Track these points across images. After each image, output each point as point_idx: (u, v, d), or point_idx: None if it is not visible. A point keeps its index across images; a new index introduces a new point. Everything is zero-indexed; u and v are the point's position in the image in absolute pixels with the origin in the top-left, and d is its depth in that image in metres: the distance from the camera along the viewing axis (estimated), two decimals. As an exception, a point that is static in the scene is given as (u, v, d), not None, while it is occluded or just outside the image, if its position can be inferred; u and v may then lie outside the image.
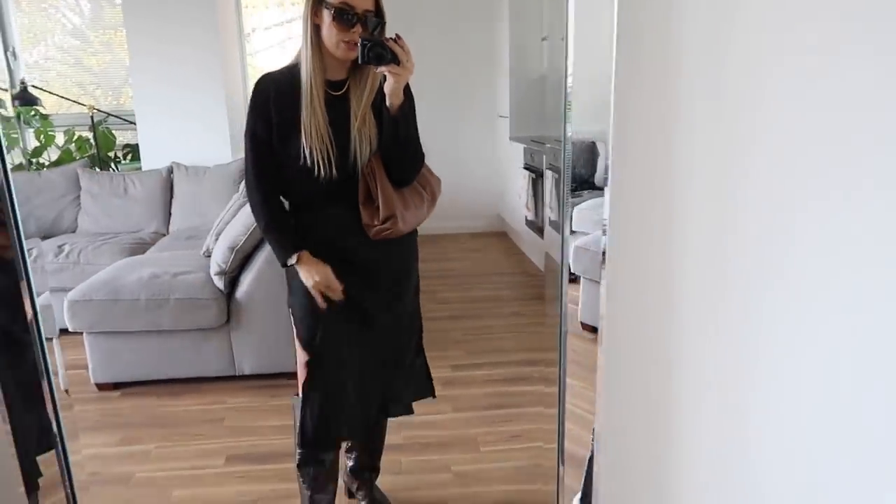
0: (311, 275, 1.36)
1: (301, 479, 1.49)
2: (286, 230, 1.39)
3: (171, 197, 3.30)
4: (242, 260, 2.31)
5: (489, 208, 4.83)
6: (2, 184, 0.91)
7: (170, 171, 3.34)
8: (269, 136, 1.34)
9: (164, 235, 3.16)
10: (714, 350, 1.10)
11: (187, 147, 3.45)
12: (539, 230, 3.68)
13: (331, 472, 1.50)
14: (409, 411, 1.59)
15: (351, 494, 1.68)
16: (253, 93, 1.36)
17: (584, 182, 1.25)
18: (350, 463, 1.66)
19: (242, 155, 3.75)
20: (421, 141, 1.43)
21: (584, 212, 1.25)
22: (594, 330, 1.25)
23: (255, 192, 1.39)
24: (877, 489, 0.79)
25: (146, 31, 3.46)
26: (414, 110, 1.39)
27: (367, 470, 1.65)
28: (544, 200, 3.59)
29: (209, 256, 2.41)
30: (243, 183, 3.07)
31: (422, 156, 1.43)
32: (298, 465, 1.48)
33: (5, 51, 3.96)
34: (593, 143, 1.27)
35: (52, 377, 1.13)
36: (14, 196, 0.94)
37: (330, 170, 1.31)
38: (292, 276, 1.42)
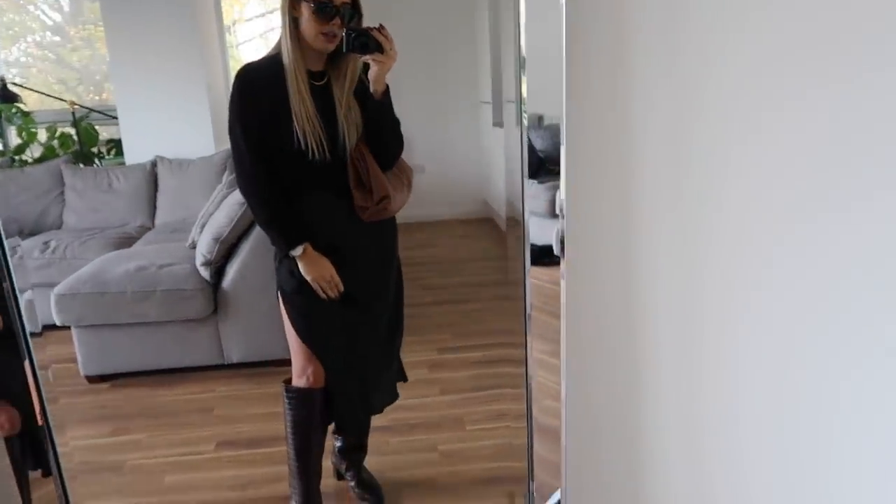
0: (313, 269, 1.41)
1: (293, 462, 1.53)
2: (289, 222, 1.41)
3: (156, 190, 3.31)
4: (227, 250, 2.33)
5: (475, 194, 4.86)
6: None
7: (154, 164, 3.35)
8: (259, 124, 1.37)
9: (150, 229, 3.17)
10: (672, 324, 1.14)
11: (170, 140, 3.45)
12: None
13: (319, 451, 1.55)
14: (396, 397, 1.68)
15: (340, 476, 1.71)
16: (237, 84, 1.38)
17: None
18: (338, 444, 1.69)
19: (225, 146, 3.72)
20: (404, 129, 1.48)
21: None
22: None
23: (253, 184, 1.40)
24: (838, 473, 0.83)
25: (125, 26, 3.45)
26: (391, 100, 1.44)
27: (354, 451, 1.68)
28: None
29: (195, 248, 2.43)
30: (226, 174, 3.09)
31: (402, 140, 1.49)
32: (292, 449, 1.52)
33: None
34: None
35: (38, 371, 1.16)
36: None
37: (323, 153, 1.36)
38: (283, 266, 1.46)
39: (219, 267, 2.32)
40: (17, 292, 1.14)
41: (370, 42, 1.31)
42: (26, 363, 1.08)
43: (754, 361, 0.95)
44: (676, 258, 1.11)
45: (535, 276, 1.35)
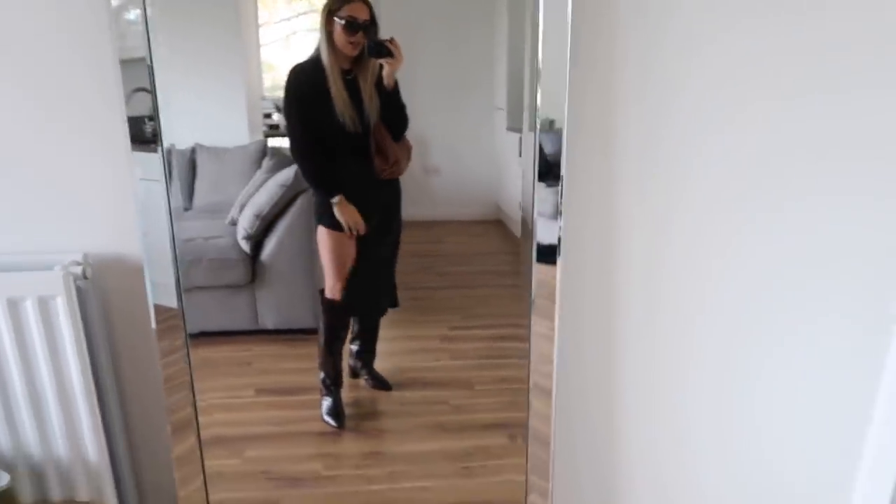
0: (346, 214, 2.04)
1: (324, 347, 2.14)
2: (329, 179, 2.06)
3: (195, 176, 3.58)
4: (266, 226, 2.60)
5: (487, 196, 5.08)
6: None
7: (193, 151, 3.62)
8: (307, 107, 1.96)
9: (188, 209, 3.44)
10: (650, 322, 1.41)
11: (209, 129, 3.72)
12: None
13: (343, 338, 2.19)
14: (397, 303, 2.30)
15: (355, 375, 2.18)
16: (289, 78, 2.02)
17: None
18: (354, 347, 2.19)
19: (258, 137, 3.99)
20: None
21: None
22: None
23: (305, 151, 2.07)
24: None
25: (171, 13, 3.71)
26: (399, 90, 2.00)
27: (367, 353, 2.20)
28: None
29: (234, 225, 2.70)
30: (266, 160, 3.36)
31: (407, 119, 2.05)
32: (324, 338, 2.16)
33: None
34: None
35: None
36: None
37: (357, 126, 1.95)
38: (321, 215, 2.11)
39: (257, 241, 2.60)
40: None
41: (384, 50, 1.88)
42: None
43: (732, 375, 1.21)
44: (646, 252, 1.38)
45: (542, 270, 1.67)
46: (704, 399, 1.23)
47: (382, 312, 2.30)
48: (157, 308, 1.81)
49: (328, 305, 2.18)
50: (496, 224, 5.30)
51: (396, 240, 2.26)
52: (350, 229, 2.07)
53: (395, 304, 2.32)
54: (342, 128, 1.94)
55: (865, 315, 1.37)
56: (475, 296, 3.43)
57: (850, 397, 1.43)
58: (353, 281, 2.16)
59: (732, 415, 1.19)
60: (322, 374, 2.19)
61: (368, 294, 2.22)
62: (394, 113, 2.00)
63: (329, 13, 1.90)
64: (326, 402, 2.16)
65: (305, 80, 1.97)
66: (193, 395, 1.83)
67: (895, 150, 1.28)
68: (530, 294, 1.62)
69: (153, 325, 1.73)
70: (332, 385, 2.18)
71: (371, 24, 1.88)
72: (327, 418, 2.12)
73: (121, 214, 1.85)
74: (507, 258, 4.12)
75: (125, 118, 1.64)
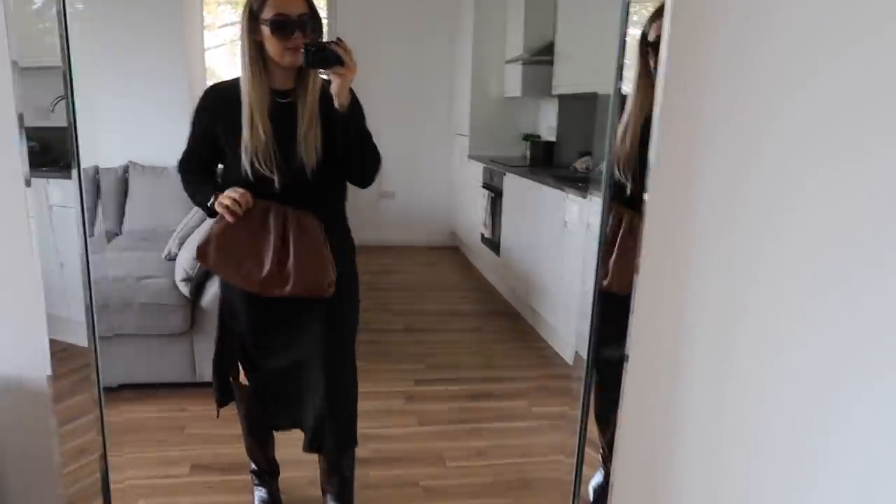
0: (228, 196, 1.37)
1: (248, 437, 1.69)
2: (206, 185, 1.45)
3: (126, 197, 3.22)
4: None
5: (442, 223, 4.89)
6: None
7: (125, 170, 3.25)
8: (208, 145, 1.43)
9: (117, 234, 3.07)
10: (713, 386, 1.19)
11: (145, 145, 3.36)
12: (495, 247, 3.77)
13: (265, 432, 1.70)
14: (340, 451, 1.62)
15: (324, 492, 1.68)
16: (200, 101, 1.46)
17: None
18: (322, 465, 1.66)
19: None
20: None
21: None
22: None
23: (183, 175, 1.50)
24: None
25: (107, 18, 3.36)
26: (363, 113, 1.43)
27: (330, 473, 1.65)
28: (502, 220, 3.68)
29: (172, 260, 2.37)
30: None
31: (379, 156, 1.47)
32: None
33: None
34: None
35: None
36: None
37: (281, 178, 1.37)
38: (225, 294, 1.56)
39: (198, 283, 2.28)
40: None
41: (329, 56, 1.29)
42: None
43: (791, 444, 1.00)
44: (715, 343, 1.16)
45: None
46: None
47: (336, 447, 1.58)
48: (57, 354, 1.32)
49: (241, 393, 1.67)
50: (451, 251, 5.08)
51: (334, 344, 1.53)
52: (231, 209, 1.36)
53: (353, 441, 1.61)
54: (251, 185, 1.37)
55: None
56: (438, 341, 3.16)
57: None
58: (265, 372, 1.60)
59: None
60: (252, 465, 1.71)
61: (283, 391, 1.61)
62: (352, 145, 1.37)
63: (251, 16, 1.34)
64: (259, 494, 1.70)
65: (218, 106, 1.40)
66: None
67: None
68: (588, 354, 1.32)
69: (49, 371, 1.26)
70: (266, 475, 1.72)
71: (310, 19, 1.34)
72: None
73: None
74: (466, 294, 3.90)
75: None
